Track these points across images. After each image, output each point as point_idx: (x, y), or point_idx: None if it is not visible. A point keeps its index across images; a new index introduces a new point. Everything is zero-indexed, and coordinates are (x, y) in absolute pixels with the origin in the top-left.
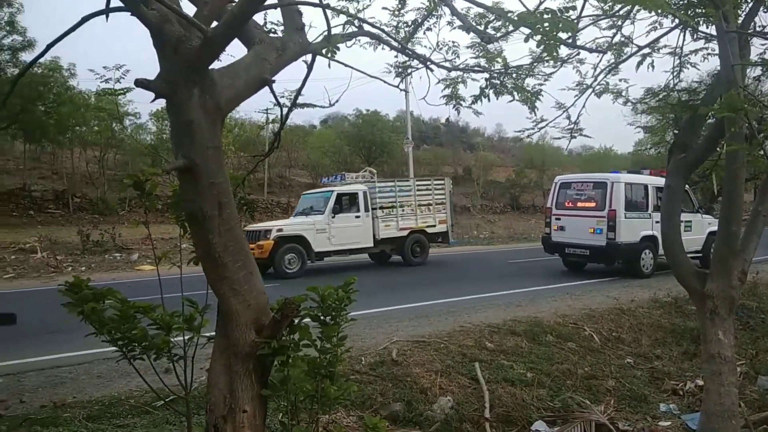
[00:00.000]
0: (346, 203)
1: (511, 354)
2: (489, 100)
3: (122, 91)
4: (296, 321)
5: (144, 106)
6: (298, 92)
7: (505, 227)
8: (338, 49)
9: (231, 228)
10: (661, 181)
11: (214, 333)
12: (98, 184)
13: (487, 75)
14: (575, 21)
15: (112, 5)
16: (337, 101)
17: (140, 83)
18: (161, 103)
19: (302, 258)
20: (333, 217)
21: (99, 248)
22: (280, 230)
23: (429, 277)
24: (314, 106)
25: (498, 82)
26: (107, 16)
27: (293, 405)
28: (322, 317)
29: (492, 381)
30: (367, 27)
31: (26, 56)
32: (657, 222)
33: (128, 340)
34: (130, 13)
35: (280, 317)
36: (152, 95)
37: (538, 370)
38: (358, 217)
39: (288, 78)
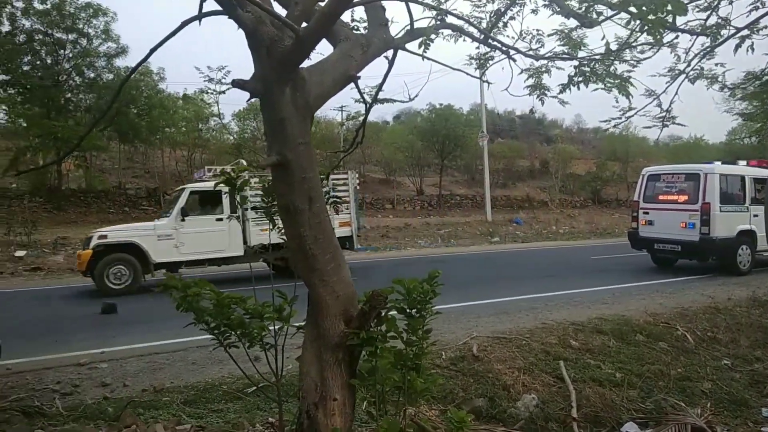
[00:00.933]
0: (204, 204)
1: (598, 353)
2: (579, 88)
3: (221, 91)
4: (383, 313)
5: (227, 107)
6: (380, 87)
7: (586, 222)
8: (431, 41)
9: (320, 221)
10: (760, 172)
11: (303, 323)
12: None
13: (575, 63)
14: (684, 2)
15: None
16: (416, 95)
17: (237, 84)
18: (241, 102)
19: (134, 271)
20: (182, 220)
21: None
22: (103, 237)
23: (507, 272)
24: (394, 101)
25: (587, 69)
26: (200, 21)
27: (380, 395)
28: (407, 310)
29: (578, 380)
30: (449, 19)
31: (120, 62)
32: (755, 216)
33: (225, 328)
34: (226, 17)
35: (369, 309)
36: (245, 95)
37: (627, 370)
38: (219, 220)
39: (367, 74)
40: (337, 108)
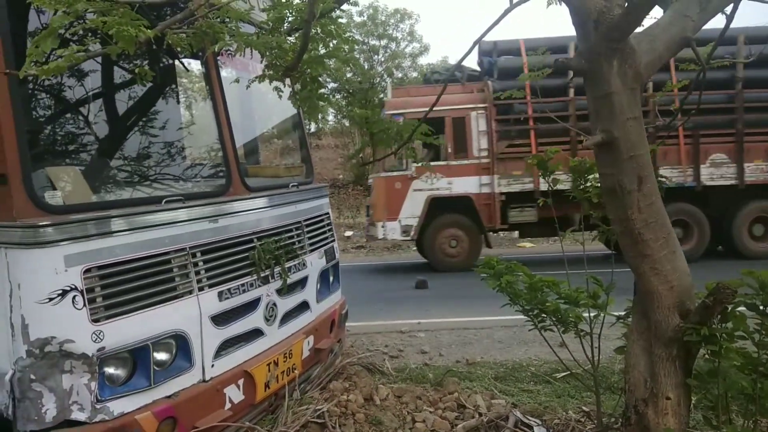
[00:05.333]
0: None
1: None
2: None
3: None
4: (729, 308)
5: None
6: (714, 47)
7: None
8: None
9: (652, 203)
10: None
11: (623, 313)
12: None
13: None
14: None
15: None
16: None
17: (560, 64)
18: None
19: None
20: None
21: None
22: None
23: None
24: (735, 61)
25: None
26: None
27: (720, 400)
28: (762, 307)
29: None
30: None
31: (422, 60)
32: None
33: (540, 311)
34: None
35: (712, 302)
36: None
37: None
38: None
39: None
40: None
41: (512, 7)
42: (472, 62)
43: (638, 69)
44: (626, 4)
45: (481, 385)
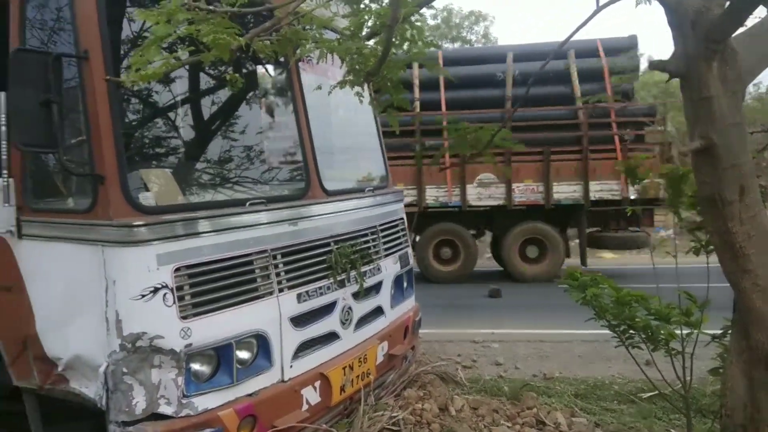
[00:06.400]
0: None
1: None
2: None
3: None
4: None
5: None
6: None
7: None
8: None
9: (755, 215)
10: None
11: (718, 331)
12: None
13: None
14: None
15: None
16: None
17: (655, 65)
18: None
19: None
20: None
21: None
22: None
23: None
24: None
25: None
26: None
27: None
28: None
29: None
30: None
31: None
32: None
33: (627, 327)
34: None
35: None
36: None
37: None
38: None
39: None
40: None
41: (600, 8)
42: None
43: (740, 71)
44: (727, 4)
45: (561, 402)
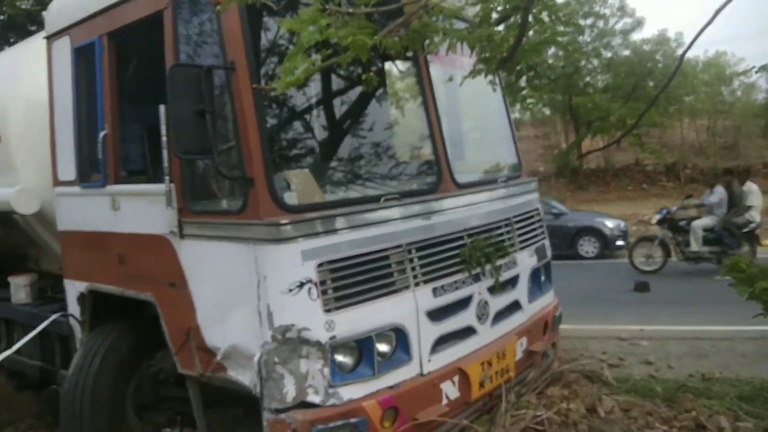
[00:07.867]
0: None
1: None
2: None
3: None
4: None
5: (754, 60)
6: None
7: None
8: None
9: None
10: None
11: None
12: (709, 154)
13: None
14: None
15: None
16: None
17: None
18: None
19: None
20: None
21: None
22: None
23: None
24: None
25: None
26: None
27: None
28: None
29: None
30: None
31: (636, 36)
32: None
33: None
34: None
35: None
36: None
37: None
38: None
39: None
40: None
41: None
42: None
43: None
44: None
45: (723, 405)
